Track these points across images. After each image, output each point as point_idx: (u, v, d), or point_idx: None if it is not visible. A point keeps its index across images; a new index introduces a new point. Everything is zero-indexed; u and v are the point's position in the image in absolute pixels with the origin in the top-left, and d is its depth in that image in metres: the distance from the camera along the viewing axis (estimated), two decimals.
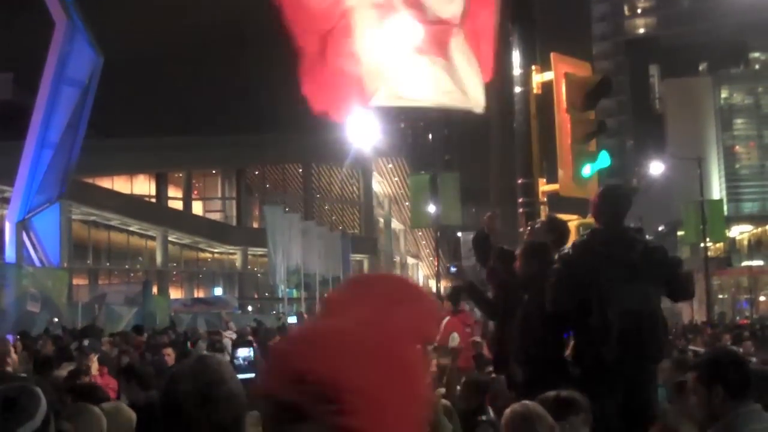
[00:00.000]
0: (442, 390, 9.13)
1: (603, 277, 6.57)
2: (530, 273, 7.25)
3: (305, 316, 19.94)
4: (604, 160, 10.78)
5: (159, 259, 65.97)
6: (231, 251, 73.21)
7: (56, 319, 28.08)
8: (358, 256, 69.41)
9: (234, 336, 19.71)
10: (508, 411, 4.38)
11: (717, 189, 78.49)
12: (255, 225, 75.50)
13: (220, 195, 76.62)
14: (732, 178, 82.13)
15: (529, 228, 8.55)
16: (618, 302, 6.46)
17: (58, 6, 34.68)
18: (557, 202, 10.97)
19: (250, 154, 69.85)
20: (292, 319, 21.98)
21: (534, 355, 7.01)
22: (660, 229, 75.54)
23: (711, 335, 22.18)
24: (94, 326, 14.40)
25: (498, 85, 10.45)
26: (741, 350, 14.15)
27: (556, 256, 7.06)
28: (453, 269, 15.55)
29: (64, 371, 9.09)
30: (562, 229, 8.00)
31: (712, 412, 4.48)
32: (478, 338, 12.76)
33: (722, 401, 4.41)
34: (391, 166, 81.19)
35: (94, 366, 10.36)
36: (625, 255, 6.69)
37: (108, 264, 64.51)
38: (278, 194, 73.70)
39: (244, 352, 10.55)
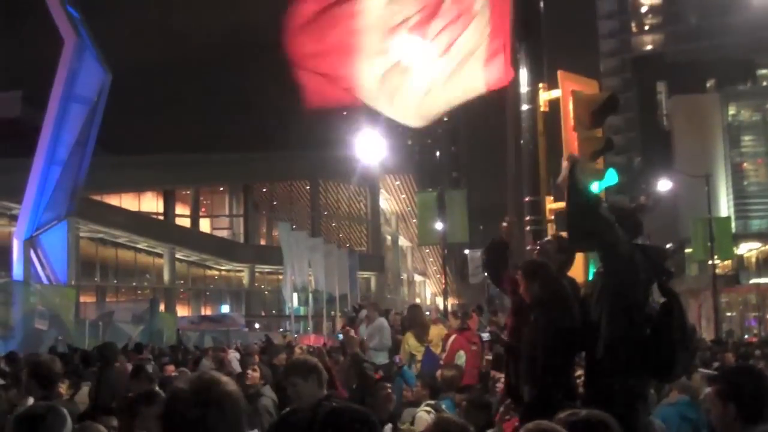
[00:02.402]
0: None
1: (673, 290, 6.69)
2: (534, 294, 7.22)
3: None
4: (611, 177, 10.73)
5: (166, 276, 66.02)
6: (238, 268, 73.24)
7: (60, 337, 28.07)
8: (365, 274, 69.38)
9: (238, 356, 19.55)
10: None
11: (725, 206, 78.35)
12: (262, 242, 75.63)
13: (227, 212, 76.73)
14: (740, 195, 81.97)
15: (538, 247, 8.49)
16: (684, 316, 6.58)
17: (66, 23, 34.80)
18: (564, 219, 10.93)
19: (258, 171, 69.99)
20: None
21: (541, 375, 6.98)
22: (668, 246, 75.29)
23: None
24: (111, 344, 14.21)
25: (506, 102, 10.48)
26: None
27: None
28: (486, 336, 15.59)
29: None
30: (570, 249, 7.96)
31: (724, 427, 4.46)
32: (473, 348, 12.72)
33: (735, 420, 4.38)
34: (398, 183, 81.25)
35: None
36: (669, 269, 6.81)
37: (115, 281, 64.59)
38: (285, 211, 73.82)
39: None
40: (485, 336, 14.06)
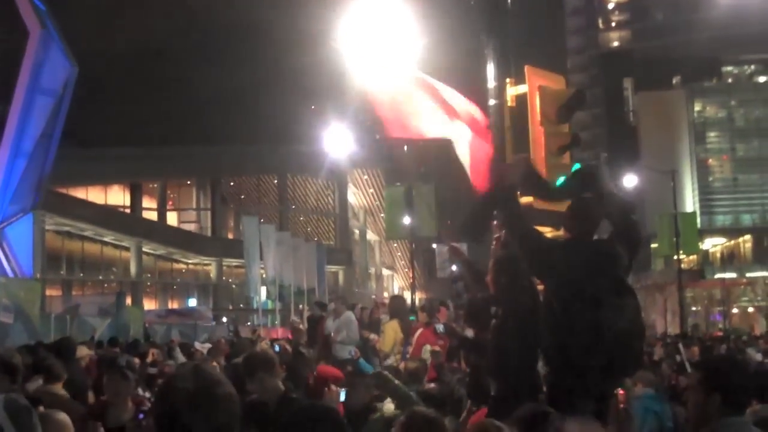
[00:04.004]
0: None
1: (597, 292, 6.56)
2: (501, 287, 7.24)
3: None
4: None
5: (133, 269, 65.65)
6: (206, 262, 72.96)
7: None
8: (333, 268, 69.28)
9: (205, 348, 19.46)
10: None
11: (690, 202, 79.02)
12: (230, 236, 75.31)
13: (194, 206, 76.39)
14: (705, 191, 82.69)
15: (496, 239, 8.49)
16: (612, 319, 6.43)
17: (32, 14, 34.46)
18: (531, 214, 10.98)
19: (226, 164, 69.74)
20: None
21: (507, 369, 7.02)
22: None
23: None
24: (69, 339, 14.06)
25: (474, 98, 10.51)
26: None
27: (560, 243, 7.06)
28: (441, 329, 15.55)
29: (34, 384, 8.95)
30: None
31: (704, 416, 4.49)
32: (437, 348, 12.70)
33: (717, 410, 4.42)
34: (366, 177, 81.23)
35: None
36: (613, 270, 6.70)
37: (82, 275, 64.11)
38: (253, 205, 73.57)
39: None
40: (439, 328, 14.07)
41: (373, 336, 16.40)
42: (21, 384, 8.53)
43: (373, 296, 33.40)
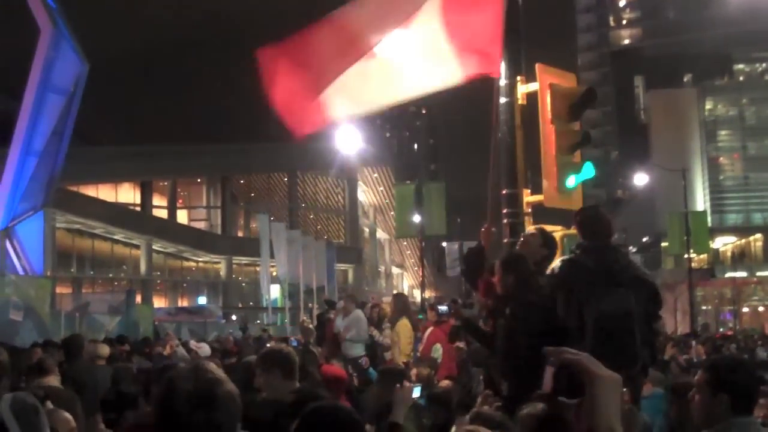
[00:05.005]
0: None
1: (582, 282, 6.73)
2: (509, 286, 7.24)
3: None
4: (588, 171, 10.76)
5: (143, 267, 65.76)
6: (215, 260, 73.03)
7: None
8: (342, 266, 69.31)
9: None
10: None
11: (701, 200, 78.81)
12: (240, 234, 75.42)
13: (205, 204, 76.46)
14: (716, 190, 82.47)
15: (522, 240, 8.51)
16: (594, 304, 6.60)
17: (43, 13, 34.49)
18: (541, 212, 10.95)
19: (236, 162, 69.79)
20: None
21: (519, 368, 6.99)
22: (644, 240, 75.80)
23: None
24: (77, 336, 14.01)
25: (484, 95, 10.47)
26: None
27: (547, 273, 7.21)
28: (443, 308, 15.48)
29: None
30: (553, 243, 8.09)
31: (711, 416, 4.46)
32: (461, 344, 12.65)
33: (724, 410, 4.39)
34: (376, 175, 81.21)
35: None
36: (607, 264, 6.80)
37: (92, 273, 64.27)
38: (263, 203, 73.62)
39: None
40: (442, 309, 14.01)
41: (376, 333, 16.42)
42: (23, 381, 8.55)
43: (372, 297, 33.42)
